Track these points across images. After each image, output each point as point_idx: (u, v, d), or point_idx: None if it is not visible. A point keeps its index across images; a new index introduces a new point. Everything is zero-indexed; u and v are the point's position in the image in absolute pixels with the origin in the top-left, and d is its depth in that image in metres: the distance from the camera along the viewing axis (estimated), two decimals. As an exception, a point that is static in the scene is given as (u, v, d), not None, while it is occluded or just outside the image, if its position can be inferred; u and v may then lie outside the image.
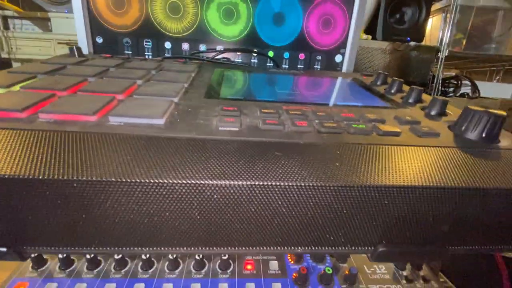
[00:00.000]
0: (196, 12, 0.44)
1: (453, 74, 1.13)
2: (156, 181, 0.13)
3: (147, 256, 0.26)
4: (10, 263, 0.28)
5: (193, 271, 0.27)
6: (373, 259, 0.15)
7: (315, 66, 0.49)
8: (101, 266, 0.27)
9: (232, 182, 0.13)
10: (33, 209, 0.13)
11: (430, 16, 1.05)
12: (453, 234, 0.14)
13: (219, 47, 0.46)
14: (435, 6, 1.08)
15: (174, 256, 0.27)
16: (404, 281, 0.29)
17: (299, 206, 0.14)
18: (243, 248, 0.15)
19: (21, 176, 0.12)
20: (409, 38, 0.95)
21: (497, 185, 0.13)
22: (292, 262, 0.29)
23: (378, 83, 0.32)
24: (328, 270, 0.27)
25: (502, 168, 0.15)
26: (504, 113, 0.17)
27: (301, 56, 0.48)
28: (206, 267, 0.28)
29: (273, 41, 0.47)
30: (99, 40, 0.44)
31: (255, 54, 0.47)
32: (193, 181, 0.13)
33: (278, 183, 0.13)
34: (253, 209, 0.14)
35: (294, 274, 0.28)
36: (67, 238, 0.14)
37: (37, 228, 0.13)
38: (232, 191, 0.13)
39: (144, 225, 0.14)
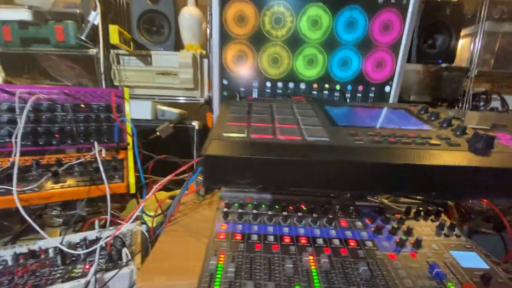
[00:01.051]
0: (289, 62, 0.65)
1: (483, 89, 1.24)
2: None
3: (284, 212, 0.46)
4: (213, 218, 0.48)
5: (311, 222, 0.47)
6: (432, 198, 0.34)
7: (370, 95, 0.67)
8: (261, 217, 0.47)
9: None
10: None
11: (460, 39, 1.19)
12: (469, 188, 0.32)
13: (302, 85, 0.67)
14: (464, 31, 1.22)
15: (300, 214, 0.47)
16: (442, 236, 0.46)
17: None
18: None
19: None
20: (440, 61, 1.10)
21: (481, 165, 0.31)
22: (369, 222, 0.48)
23: (422, 112, 0.50)
24: (395, 225, 0.45)
25: (490, 160, 0.32)
26: (493, 134, 0.34)
27: (360, 88, 0.67)
28: (319, 222, 0.47)
29: (340, 78, 0.67)
30: (225, 82, 0.66)
31: (326, 88, 0.67)
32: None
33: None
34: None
35: (373, 228, 0.46)
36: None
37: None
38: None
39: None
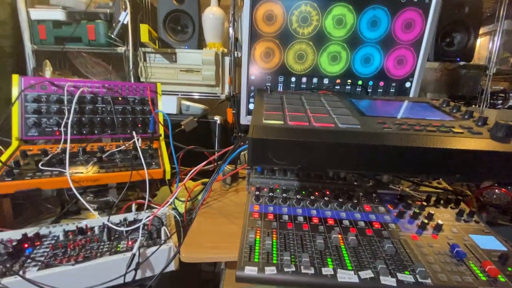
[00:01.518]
0: (314, 58, 0.69)
1: (501, 88, 1.24)
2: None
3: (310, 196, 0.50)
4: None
5: (336, 207, 0.50)
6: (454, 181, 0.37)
7: (391, 90, 0.70)
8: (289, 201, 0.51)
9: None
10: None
11: (478, 37, 1.19)
12: (491, 171, 0.35)
13: (325, 80, 0.70)
14: (483, 30, 1.23)
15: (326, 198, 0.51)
16: (462, 222, 0.49)
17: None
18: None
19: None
20: (458, 59, 1.11)
21: (502, 150, 0.34)
22: (391, 208, 0.51)
23: (444, 105, 0.53)
24: (416, 210, 0.49)
25: (510, 146, 0.36)
26: (513, 124, 0.37)
27: (381, 83, 0.70)
28: (344, 206, 0.51)
29: (362, 74, 0.70)
30: (252, 77, 0.71)
31: (349, 83, 0.70)
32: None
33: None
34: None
35: (395, 213, 0.49)
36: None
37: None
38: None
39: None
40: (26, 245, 0.52)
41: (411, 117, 0.46)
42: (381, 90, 0.70)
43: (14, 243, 0.51)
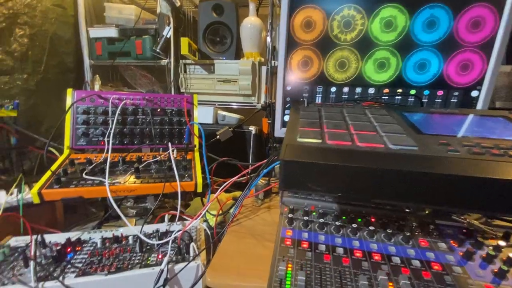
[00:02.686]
0: (357, 66, 0.62)
1: None
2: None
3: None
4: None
5: (384, 238, 0.43)
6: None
7: (452, 100, 0.60)
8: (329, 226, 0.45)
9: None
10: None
11: None
12: None
13: (370, 89, 0.63)
14: None
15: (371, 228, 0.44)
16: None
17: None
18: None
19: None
20: (539, 61, 0.93)
21: None
22: (455, 245, 0.42)
23: (527, 120, 0.42)
24: (491, 251, 0.39)
25: None
26: None
27: (439, 93, 0.60)
28: (394, 239, 0.43)
29: (415, 82, 0.61)
30: (288, 88, 0.67)
31: (399, 93, 0.62)
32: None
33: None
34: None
35: (461, 253, 0.40)
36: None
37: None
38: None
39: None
40: (68, 249, 0.55)
41: (483, 136, 0.37)
42: (440, 101, 0.60)
43: (58, 247, 0.54)
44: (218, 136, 0.94)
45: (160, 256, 0.54)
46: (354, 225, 0.44)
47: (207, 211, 0.67)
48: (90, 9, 1.37)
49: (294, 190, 0.48)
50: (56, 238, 0.58)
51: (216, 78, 1.19)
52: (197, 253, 0.53)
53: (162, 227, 0.63)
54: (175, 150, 0.70)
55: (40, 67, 1.17)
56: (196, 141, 0.77)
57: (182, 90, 1.25)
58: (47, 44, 1.19)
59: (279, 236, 0.44)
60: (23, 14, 1.10)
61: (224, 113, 1.11)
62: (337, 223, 0.46)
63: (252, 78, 1.13)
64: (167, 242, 0.55)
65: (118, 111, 0.68)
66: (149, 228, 0.62)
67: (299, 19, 0.62)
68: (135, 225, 0.74)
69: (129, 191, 0.59)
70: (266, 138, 1.15)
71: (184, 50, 1.06)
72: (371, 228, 0.44)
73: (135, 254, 0.55)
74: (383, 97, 0.62)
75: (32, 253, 0.51)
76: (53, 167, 0.61)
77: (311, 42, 0.63)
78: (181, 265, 0.52)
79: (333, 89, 0.64)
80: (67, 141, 0.69)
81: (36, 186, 0.54)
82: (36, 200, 0.54)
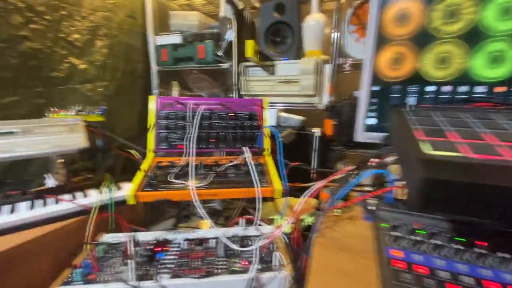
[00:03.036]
0: (463, 61, 0.54)
1: None
2: None
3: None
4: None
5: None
6: None
7: None
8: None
9: None
10: None
11: None
12: None
13: (479, 88, 0.54)
14: None
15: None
16: None
17: None
18: None
19: None
20: None
21: None
22: None
23: None
24: None
25: None
26: None
27: None
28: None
29: (542, 78, 0.50)
30: (375, 88, 0.61)
31: (518, 91, 0.52)
32: None
33: None
34: None
35: None
36: None
37: None
38: None
39: None
40: (157, 249, 0.57)
41: None
42: None
43: (151, 247, 0.57)
44: (281, 139, 0.92)
45: (244, 263, 0.54)
46: (479, 249, 0.38)
47: (281, 217, 0.65)
48: (155, 18, 1.46)
49: (429, 212, 0.43)
50: (144, 236, 0.61)
51: (276, 79, 1.17)
52: (282, 262, 0.52)
53: (239, 231, 0.63)
54: (250, 155, 0.70)
55: (117, 75, 1.29)
56: (267, 145, 0.76)
57: (242, 93, 1.26)
58: (121, 53, 1.31)
59: (383, 256, 0.40)
60: (102, 26, 1.22)
61: (285, 114, 1.09)
62: (455, 246, 0.39)
63: (314, 77, 1.08)
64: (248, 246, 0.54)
65: (197, 116, 0.70)
66: (227, 231, 0.62)
67: (391, 12, 0.56)
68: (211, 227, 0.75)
69: (212, 195, 0.60)
70: (330, 140, 1.09)
71: (249, 52, 1.06)
72: (506, 255, 0.37)
73: (219, 259, 0.55)
74: (495, 96, 0.53)
75: (130, 251, 0.54)
76: (143, 169, 0.65)
77: (405, 37, 0.56)
78: (268, 274, 0.50)
79: (431, 88, 0.57)
80: (150, 145, 0.73)
81: (132, 188, 0.58)
82: (132, 202, 0.58)
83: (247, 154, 0.67)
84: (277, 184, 0.63)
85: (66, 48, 1.08)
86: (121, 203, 0.71)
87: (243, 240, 0.60)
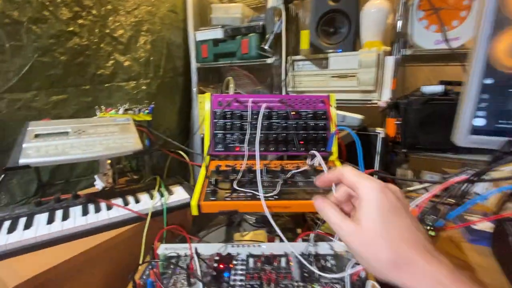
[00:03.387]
0: None
1: None
2: None
3: None
4: None
5: None
6: None
7: None
8: None
9: None
10: None
11: None
12: None
13: None
14: None
15: None
16: None
17: None
18: None
19: None
20: None
21: None
22: None
23: None
24: None
25: None
26: None
27: None
28: None
29: None
30: (488, 81, 0.49)
31: None
32: None
33: None
34: None
35: None
36: None
37: None
38: None
39: None
40: (221, 266, 0.50)
41: None
42: None
43: (214, 264, 0.50)
44: (340, 140, 0.82)
45: (327, 290, 0.45)
46: None
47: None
48: (195, 13, 1.41)
49: None
50: (204, 249, 0.54)
51: (329, 74, 1.06)
52: (380, 296, 0.42)
53: (307, 248, 0.54)
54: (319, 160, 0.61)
55: (159, 72, 1.25)
56: (335, 148, 0.67)
57: (288, 89, 1.17)
58: (164, 49, 1.27)
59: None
60: (145, 21, 1.18)
61: (343, 113, 0.98)
62: None
63: (375, 71, 0.96)
64: (328, 270, 0.46)
65: (261, 115, 0.62)
66: (295, 247, 0.53)
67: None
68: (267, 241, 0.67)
69: (284, 208, 0.52)
70: (392, 141, 0.97)
71: (305, 44, 0.97)
72: None
73: (294, 283, 0.47)
74: None
75: (196, 270, 0.48)
76: (203, 175, 0.59)
77: (539, 15, 0.44)
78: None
79: None
80: (206, 147, 0.67)
81: (194, 198, 0.52)
82: (195, 213, 0.51)
83: (319, 158, 0.58)
84: (358, 196, 0.53)
85: (111, 45, 1.05)
86: (173, 209, 0.66)
87: (318, 260, 0.51)
